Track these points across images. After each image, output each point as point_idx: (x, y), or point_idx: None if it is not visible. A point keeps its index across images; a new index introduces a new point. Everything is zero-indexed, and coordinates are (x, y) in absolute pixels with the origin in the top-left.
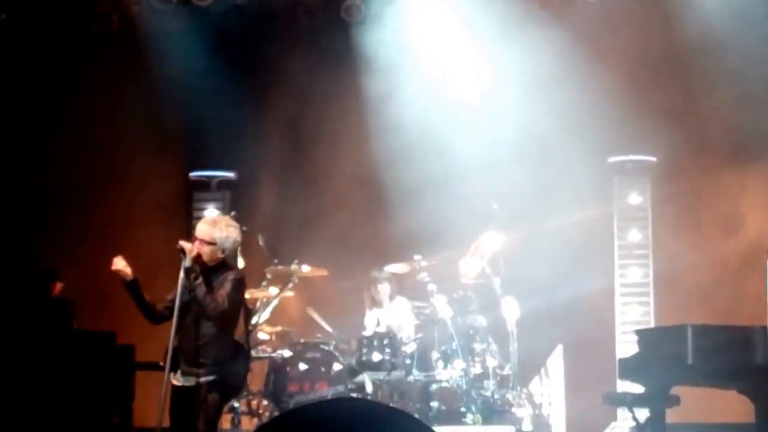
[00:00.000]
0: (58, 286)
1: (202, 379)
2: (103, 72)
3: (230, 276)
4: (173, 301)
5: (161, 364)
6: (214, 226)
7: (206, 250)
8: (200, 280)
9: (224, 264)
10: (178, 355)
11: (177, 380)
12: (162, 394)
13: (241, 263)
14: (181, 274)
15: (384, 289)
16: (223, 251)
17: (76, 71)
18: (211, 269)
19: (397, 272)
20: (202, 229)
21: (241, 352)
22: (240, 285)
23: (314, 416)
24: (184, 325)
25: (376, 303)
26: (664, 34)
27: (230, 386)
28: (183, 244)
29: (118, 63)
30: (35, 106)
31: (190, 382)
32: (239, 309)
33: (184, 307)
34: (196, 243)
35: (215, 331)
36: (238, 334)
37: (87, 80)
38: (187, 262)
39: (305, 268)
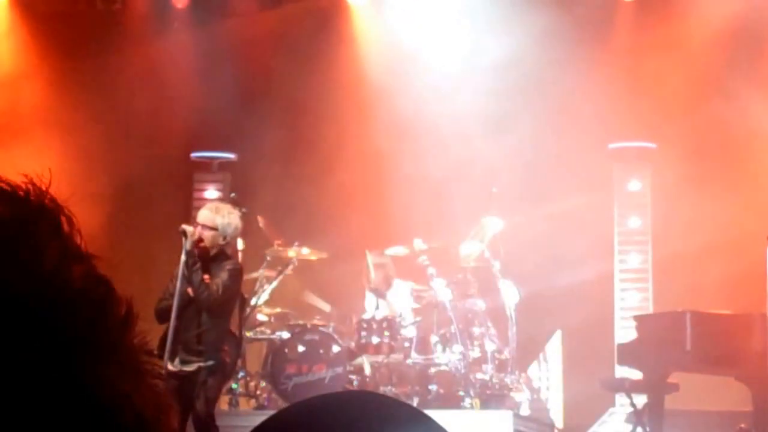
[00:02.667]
0: None
1: (202, 364)
2: (106, 51)
3: (228, 265)
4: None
5: (155, 352)
6: (217, 213)
7: (208, 236)
8: (198, 265)
9: (223, 252)
10: (176, 342)
11: (175, 366)
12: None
13: (240, 245)
14: (182, 258)
15: (382, 272)
16: (224, 238)
17: (78, 50)
18: (211, 256)
19: (397, 255)
20: (204, 215)
21: (233, 340)
22: (237, 275)
23: (319, 412)
24: (183, 313)
25: (373, 286)
26: (666, 19)
27: (227, 371)
28: (185, 227)
29: (121, 42)
30: (35, 84)
31: (191, 367)
32: (235, 299)
33: (183, 295)
34: (198, 228)
35: (212, 319)
36: (233, 323)
37: (89, 60)
38: (188, 245)
39: (305, 251)
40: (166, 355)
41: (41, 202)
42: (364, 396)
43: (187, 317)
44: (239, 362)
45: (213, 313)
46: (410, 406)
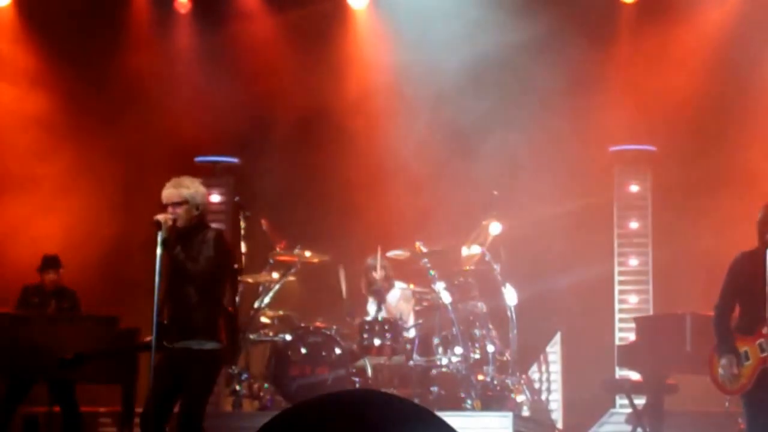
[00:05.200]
0: (61, 272)
1: (195, 346)
2: (110, 56)
3: (208, 235)
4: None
5: (147, 339)
6: (179, 186)
7: (180, 212)
8: (178, 248)
9: (201, 222)
10: (172, 325)
11: (168, 344)
12: (151, 365)
13: (243, 248)
14: (159, 249)
15: (381, 275)
16: (197, 207)
17: (82, 55)
18: (191, 231)
19: (398, 258)
20: (169, 193)
21: (229, 320)
22: (220, 241)
23: (324, 409)
24: (174, 296)
25: (373, 290)
26: (667, 23)
27: (223, 352)
28: (157, 217)
29: (125, 47)
30: (38, 89)
31: (185, 345)
32: (224, 268)
33: (172, 277)
34: (169, 209)
35: (203, 296)
36: (227, 298)
37: (93, 65)
38: (163, 234)
39: (308, 253)
40: (153, 341)
41: None
42: (368, 394)
43: (176, 299)
44: (242, 364)
45: (204, 287)
46: (414, 404)
